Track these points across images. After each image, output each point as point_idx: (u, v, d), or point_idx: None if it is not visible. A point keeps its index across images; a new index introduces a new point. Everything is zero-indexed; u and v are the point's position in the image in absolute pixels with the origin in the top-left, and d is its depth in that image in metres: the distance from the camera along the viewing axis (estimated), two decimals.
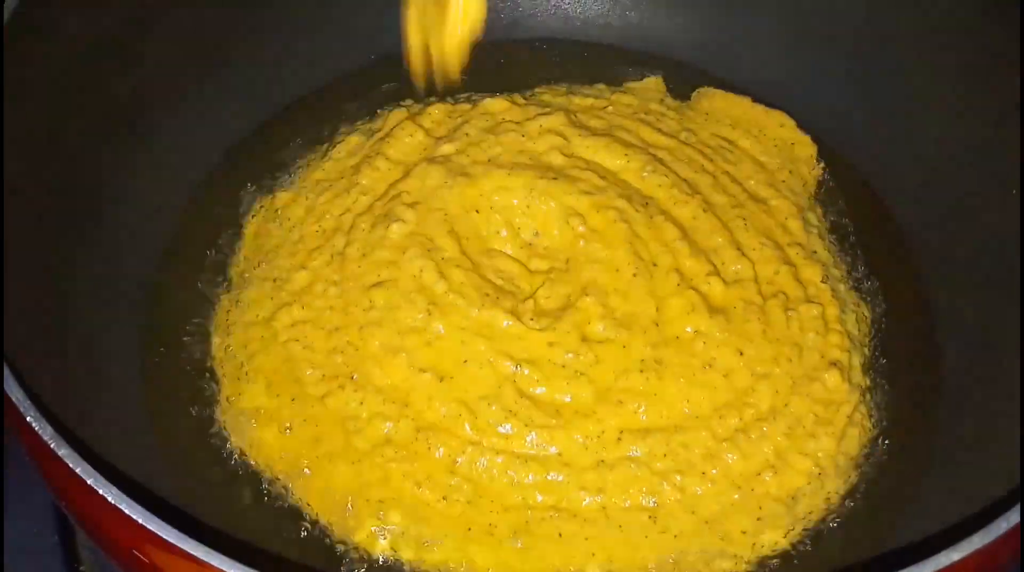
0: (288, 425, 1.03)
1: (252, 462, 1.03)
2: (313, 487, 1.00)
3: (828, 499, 1.01)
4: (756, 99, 1.29)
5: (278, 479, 1.01)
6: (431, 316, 1.04)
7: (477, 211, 1.13)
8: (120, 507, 0.73)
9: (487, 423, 0.99)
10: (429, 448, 0.99)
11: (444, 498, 0.97)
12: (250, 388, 1.06)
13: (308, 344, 1.07)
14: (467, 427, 0.99)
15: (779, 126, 1.27)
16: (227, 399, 1.06)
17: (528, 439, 0.99)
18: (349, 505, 0.99)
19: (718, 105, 1.29)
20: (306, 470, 1.00)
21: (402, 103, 1.28)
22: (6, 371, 0.79)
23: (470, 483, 0.98)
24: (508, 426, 0.99)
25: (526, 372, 1.01)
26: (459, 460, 0.98)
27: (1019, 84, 1.08)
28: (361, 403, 1.02)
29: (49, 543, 1.06)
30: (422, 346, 1.03)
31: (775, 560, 0.98)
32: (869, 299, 1.15)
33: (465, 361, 1.02)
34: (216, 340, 1.10)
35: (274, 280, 1.12)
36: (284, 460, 1.02)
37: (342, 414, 1.02)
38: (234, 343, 1.09)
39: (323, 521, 0.99)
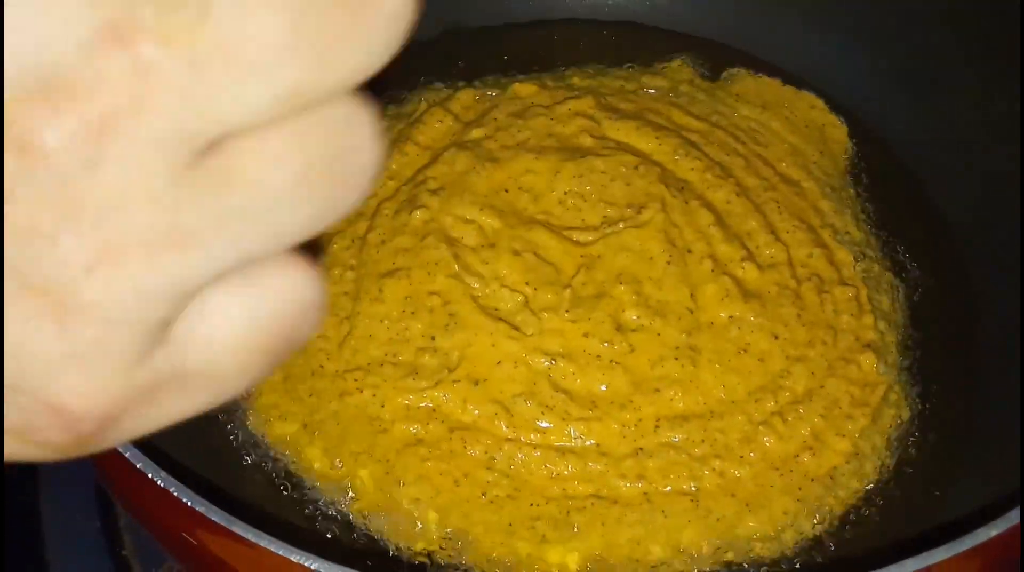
0: (308, 422, 1.03)
1: (282, 458, 1.03)
2: (347, 483, 1.00)
3: (866, 479, 1.02)
4: (787, 79, 1.28)
5: (306, 474, 1.01)
6: (453, 319, 1.04)
7: (506, 191, 1.12)
8: (170, 490, 0.75)
9: (524, 420, 1.00)
10: (465, 447, 0.99)
11: (483, 494, 0.98)
12: (266, 382, 1.05)
13: (323, 332, 1.06)
14: (503, 425, 1.00)
15: (810, 107, 1.27)
16: (247, 392, 1.06)
17: (565, 432, 1.00)
18: (383, 501, 0.99)
19: (748, 86, 1.28)
20: (338, 463, 1.01)
21: (430, 86, 1.28)
22: None
23: (508, 478, 0.98)
24: (545, 421, 1.00)
25: (561, 365, 1.02)
26: (496, 457, 0.99)
27: None
28: (382, 406, 1.02)
29: (91, 527, 1.07)
30: (446, 350, 1.03)
31: (817, 540, 0.99)
32: (905, 279, 1.15)
33: (499, 362, 1.02)
34: None
35: None
36: (312, 456, 1.01)
37: (364, 414, 1.02)
38: None
39: (362, 517, 0.99)
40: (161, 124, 0.27)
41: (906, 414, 1.06)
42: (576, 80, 1.28)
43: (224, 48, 0.26)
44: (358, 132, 0.31)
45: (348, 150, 0.30)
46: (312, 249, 0.34)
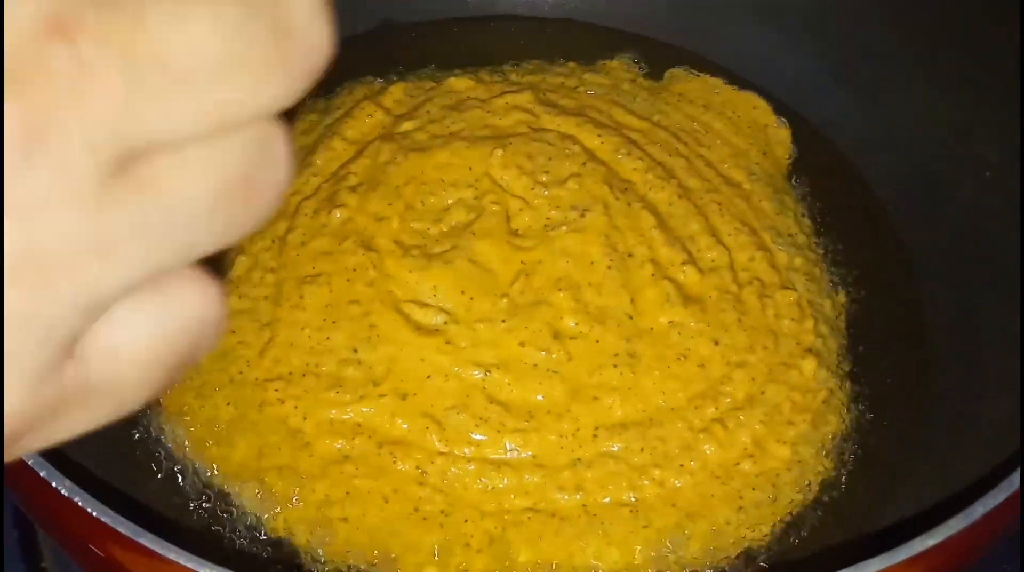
0: (224, 431, 0.99)
1: (196, 467, 0.99)
2: (264, 500, 0.96)
3: (809, 487, 1.00)
4: (730, 79, 1.27)
5: (224, 486, 0.97)
6: (374, 331, 1.01)
7: (431, 189, 1.09)
8: (74, 500, 0.72)
9: (456, 433, 0.97)
10: (395, 462, 0.96)
11: (415, 510, 0.95)
12: (182, 386, 1.01)
13: (242, 338, 1.03)
14: (435, 439, 0.97)
15: (752, 108, 1.25)
16: (162, 397, 1.02)
17: (501, 444, 0.97)
18: (311, 517, 0.95)
19: (691, 86, 1.26)
20: (257, 486, 0.96)
21: (362, 80, 1.25)
22: None
23: (441, 493, 0.95)
24: (479, 433, 0.97)
25: (495, 376, 0.99)
26: (428, 471, 0.96)
27: (1001, 63, 1.07)
28: (304, 418, 0.98)
29: (9, 539, 1.04)
30: (371, 364, 0.99)
31: (759, 550, 0.97)
32: (848, 282, 1.13)
33: (428, 376, 0.99)
34: None
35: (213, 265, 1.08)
36: (229, 468, 0.98)
37: (285, 426, 0.98)
38: None
39: (280, 532, 0.95)
40: (96, 125, 0.27)
41: (848, 420, 1.04)
42: (515, 76, 1.26)
43: (159, 57, 0.27)
44: (273, 152, 0.33)
45: (263, 169, 0.32)
46: (215, 264, 0.35)
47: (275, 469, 0.96)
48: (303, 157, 1.15)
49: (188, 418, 1.00)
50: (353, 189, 1.10)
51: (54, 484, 0.72)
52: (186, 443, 0.99)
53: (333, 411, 0.98)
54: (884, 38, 1.20)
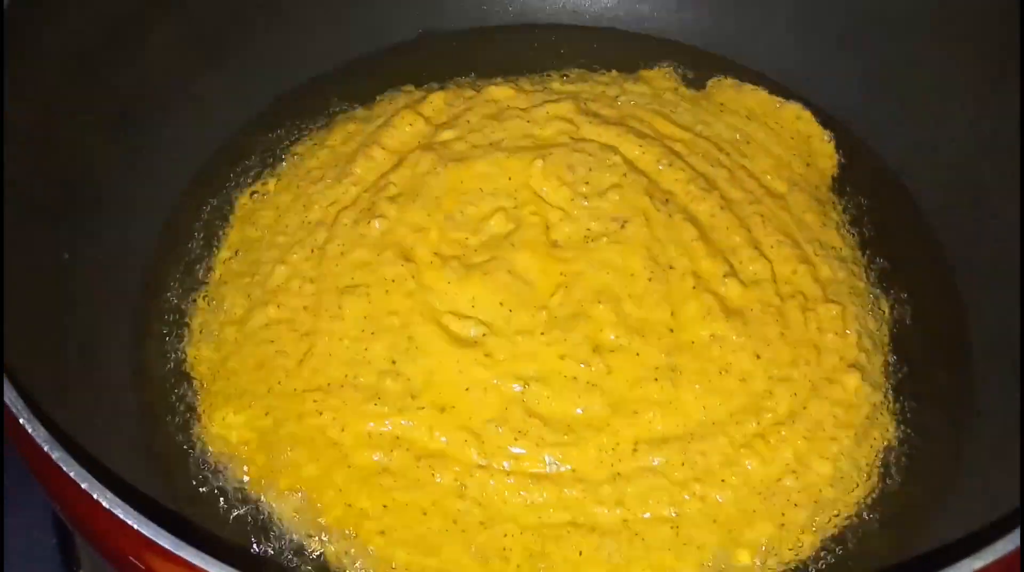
0: (262, 442, 0.99)
1: (234, 476, 0.99)
2: (302, 513, 0.96)
3: (851, 504, 0.99)
4: (773, 89, 1.26)
5: (261, 497, 0.97)
6: (413, 342, 1.01)
7: (471, 199, 1.09)
8: (115, 512, 0.72)
9: (495, 446, 0.97)
10: (433, 475, 0.96)
11: (454, 522, 0.94)
12: (221, 396, 1.02)
13: (281, 348, 1.04)
14: (474, 452, 0.97)
15: (796, 118, 1.24)
16: (202, 406, 1.03)
17: (540, 458, 0.97)
18: (348, 531, 0.95)
19: (733, 96, 1.26)
20: (294, 497, 0.96)
21: (402, 89, 1.25)
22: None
23: (480, 507, 0.95)
24: (518, 447, 0.97)
25: (534, 389, 0.99)
26: (467, 484, 0.96)
27: None
28: (343, 430, 0.99)
29: (48, 546, 1.05)
30: (409, 376, 0.99)
31: (801, 567, 0.96)
32: (892, 295, 1.12)
33: (467, 389, 0.99)
34: (192, 340, 1.07)
35: (253, 275, 1.09)
36: (267, 479, 0.97)
37: (323, 437, 0.98)
38: (209, 344, 1.06)
39: (319, 543, 0.95)
40: None
41: (892, 436, 1.03)
42: (556, 85, 1.26)
43: None
44: None
45: None
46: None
47: (313, 480, 0.96)
48: (343, 166, 1.15)
49: (226, 429, 1.00)
50: (392, 199, 1.10)
51: (95, 496, 0.72)
52: (224, 454, 0.99)
53: (371, 423, 0.98)
54: (930, 49, 1.18)
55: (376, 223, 1.08)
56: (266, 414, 1.00)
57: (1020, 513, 0.76)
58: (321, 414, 0.99)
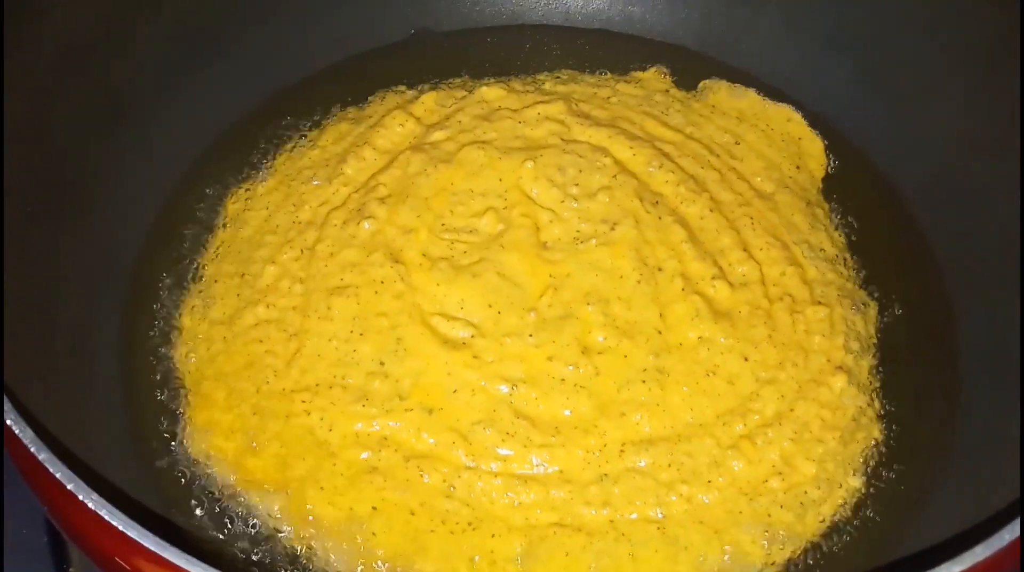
0: (249, 441, 0.99)
1: (220, 475, 0.99)
2: (288, 512, 0.96)
3: (837, 505, 0.99)
4: (763, 91, 1.26)
5: (248, 496, 0.97)
6: (401, 344, 1.01)
7: (460, 200, 1.09)
8: (100, 513, 0.72)
9: (483, 448, 0.97)
10: (422, 475, 0.96)
11: (443, 523, 0.95)
12: (209, 396, 1.02)
13: (270, 348, 1.04)
14: (462, 454, 0.97)
15: (787, 120, 1.24)
16: (190, 406, 1.03)
17: (527, 459, 0.97)
18: (336, 530, 0.95)
19: (725, 98, 1.26)
20: (281, 497, 0.96)
21: (394, 89, 1.26)
22: None
23: (468, 507, 0.95)
24: (506, 448, 0.97)
25: (522, 391, 0.99)
26: (455, 485, 0.96)
27: None
28: (330, 430, 0.99)
29: (39, 544, 1.05)
30: (397, 377, 1.00)
31: (787, 569, 0.96)
32: (879, 297, 1.12)
33: (455, 390, 0.99)
34: (181, 340, 1.07)
35: (242, 275, 1.09)
36: (254, 478, 0.98)
37: (311, 436, 0.99)
38: (197, 344, 1.06)
39: (304, 547, 0.95)
40: None
41: (878, 438, 1.03)
42: (547, 85, 1.26)
43: None
44: None
45: None
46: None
47: (299, 480, 0.96)
48: (334, 166, 1.16)
49: (214, 429, 1.00)
50: (382, 200, 1.10)
51: (81, 497, 0.72)
52: (211, 454, 0.99)
53: (359, 424, 0.98)
54: (919, 51, 1.19)
55: (365, 224, 1.08)
56: (254, 414, 1.00)
57: (1020, 513, 0.76)
58: (309, 414, 0.99)
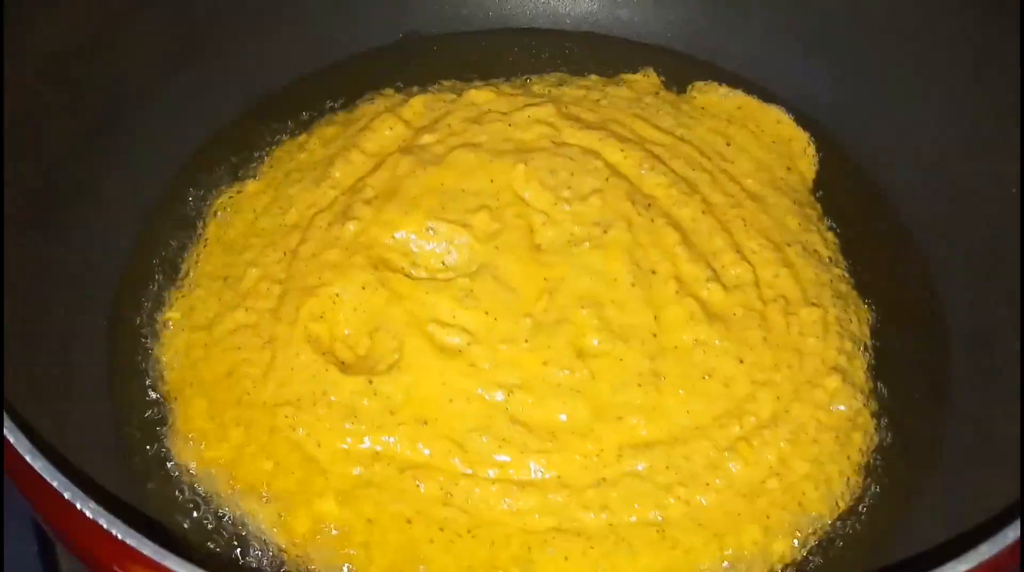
0: (236, 453, 0.97)
1: (209, 488, 0.98)
2: (280, 524, 0.95)
3: (835, 505, 0.99)
4: (753, 92, 1.26)
5: (238, 509, 0.96)
6: (394, 355, 1.00)
7: (450, 197, 1.08)
8: (98, 521, 0.72)
9: (479, 455, 0.96)
10: (417, 484, 0.95)
11: (441, 530, 0.94)
12: (191, 405, 1.01)
13: (247, 356, 1.02)
14: (458, 462, 0.96)
15: (776, 122, 1.24)
16: (176, 415, 1.01)
17: (524, 465, 0.96)
18: (329, 540, 0.94)
19: (714, 99, 1.26)
20: (271, 509, 0.95)
21: (383, 92, 1.25)
22: None
23: (466, 515, 0.95)
24: (502, 455, 0.96)
25: (518, 396, 0.98)
26: (452, 493, 0.95)
27: (1018, 75, 1.05)
28: (319, 445, 0.97)
29: (29, 554, 1.03)
30: (388, 393, 0.98)
31: (786, 569, 0.96)
32: (872, 297, 1.12)
33: (450, 400, 0.98)
34: (166, 346, 1.06)
35: (225, 278, 1.08)
36: (243, 490, 0.96)
37: (299, 452, 0.97)
38: (181, 350, 1.05)
39: (297, 559, 0.94)
40: None
41: (874, 438, 1.03)
42: (536, 88, 1.26)
43: None
44: None
45: None
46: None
47: (290, 493, 0.95)
48: (322, 169, 1.15)
49: (200, 437, 0.99)
50: (368, 202, 1.09)
51: (79, 506, 0.72)
52: (198, 464, 0.98)
53: (348, 440, 0.97)
54: (907, 51, 1.19)
55: (351, 225, 1.07)
56: (237, 425, 0.99)
57: (1021, 512, 0.76)
58: (294, 430, 0.97)
